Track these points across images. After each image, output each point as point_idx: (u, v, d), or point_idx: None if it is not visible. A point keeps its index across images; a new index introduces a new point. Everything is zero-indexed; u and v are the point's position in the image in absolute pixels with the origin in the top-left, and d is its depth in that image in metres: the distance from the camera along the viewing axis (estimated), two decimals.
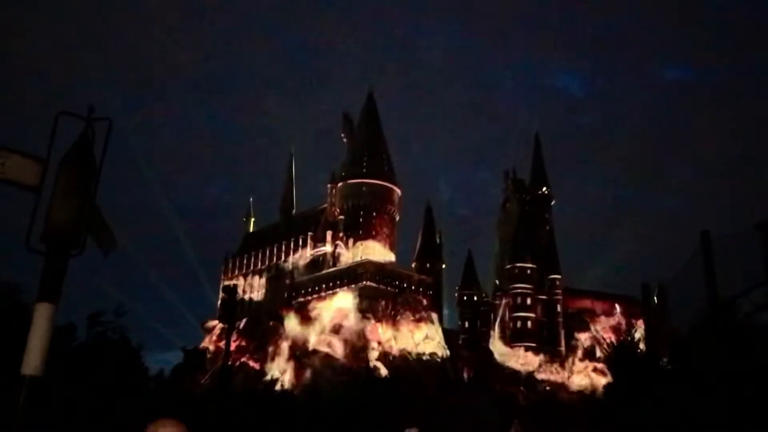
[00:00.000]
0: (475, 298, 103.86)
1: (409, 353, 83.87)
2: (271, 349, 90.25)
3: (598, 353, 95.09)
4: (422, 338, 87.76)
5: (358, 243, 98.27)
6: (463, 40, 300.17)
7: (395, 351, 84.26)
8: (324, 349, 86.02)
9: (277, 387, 73.47)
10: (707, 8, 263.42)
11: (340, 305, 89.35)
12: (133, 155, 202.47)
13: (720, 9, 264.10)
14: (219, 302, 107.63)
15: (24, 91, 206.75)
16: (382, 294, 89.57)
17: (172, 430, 2.88)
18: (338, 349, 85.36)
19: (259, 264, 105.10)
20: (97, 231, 4.05)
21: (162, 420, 2.90)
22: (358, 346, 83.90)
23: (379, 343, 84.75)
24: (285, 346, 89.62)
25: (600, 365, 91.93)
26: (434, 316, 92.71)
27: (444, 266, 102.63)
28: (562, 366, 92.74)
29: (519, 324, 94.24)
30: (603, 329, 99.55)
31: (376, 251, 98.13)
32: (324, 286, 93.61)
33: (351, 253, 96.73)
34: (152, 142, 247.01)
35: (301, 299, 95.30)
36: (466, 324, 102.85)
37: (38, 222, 3.68)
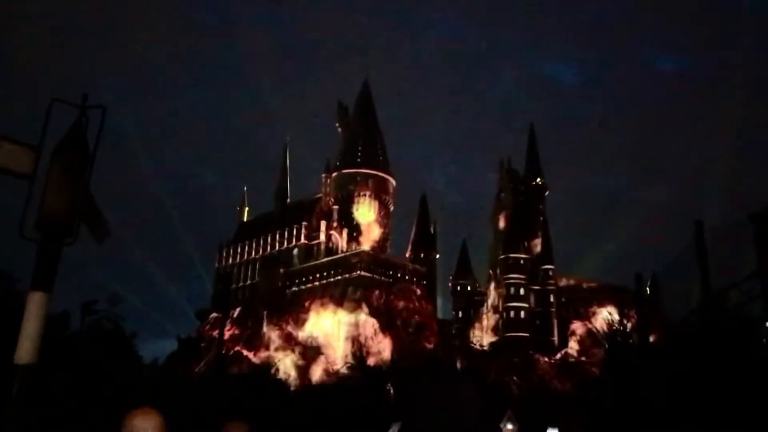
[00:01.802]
0: (469, 288, 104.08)
1: (402, 343, 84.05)
2: (265, 337, 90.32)
3: (591, 342, 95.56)
4: (416, 328, 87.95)
5: (353, 232, 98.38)
6: (458, 29, 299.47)
7: (388, 341, 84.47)
8: (317, 338, 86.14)
9: (270, 376, 73.62)
10: None
11: (333, 294, 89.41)
12: (128, 143, 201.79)
13: None
14: (213, 291, 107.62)
15: (17, 78, 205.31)
16: (376, 284, 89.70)
17: (148, 419, 2.89)
18: (331, 339, 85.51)
19: (254, 253, 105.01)
20: (91, 219, 4.04)
21: (140, 409, 2.92)
22: (351, 336, 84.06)
23: (374, 333, 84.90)
24: (279, 334, 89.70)
25: (593, 354, 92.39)
26: (428, 305, 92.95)
27: (438, 256, 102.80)
28: (555, 355, 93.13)
29: (512, 314, 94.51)
30: (596, 319, 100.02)
31: (371, 240, 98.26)
32: (318, 275, 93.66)
33: (345, 243, 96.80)
34: (148, 130, 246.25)
35: (295, 288, 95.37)
36: (460, 314, 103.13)
37: (32, 210, 3.66)
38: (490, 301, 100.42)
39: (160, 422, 2.91)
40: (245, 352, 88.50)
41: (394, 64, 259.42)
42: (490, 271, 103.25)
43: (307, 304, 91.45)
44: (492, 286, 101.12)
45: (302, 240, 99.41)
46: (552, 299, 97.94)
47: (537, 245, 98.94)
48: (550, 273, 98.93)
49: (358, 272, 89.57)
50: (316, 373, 79.06)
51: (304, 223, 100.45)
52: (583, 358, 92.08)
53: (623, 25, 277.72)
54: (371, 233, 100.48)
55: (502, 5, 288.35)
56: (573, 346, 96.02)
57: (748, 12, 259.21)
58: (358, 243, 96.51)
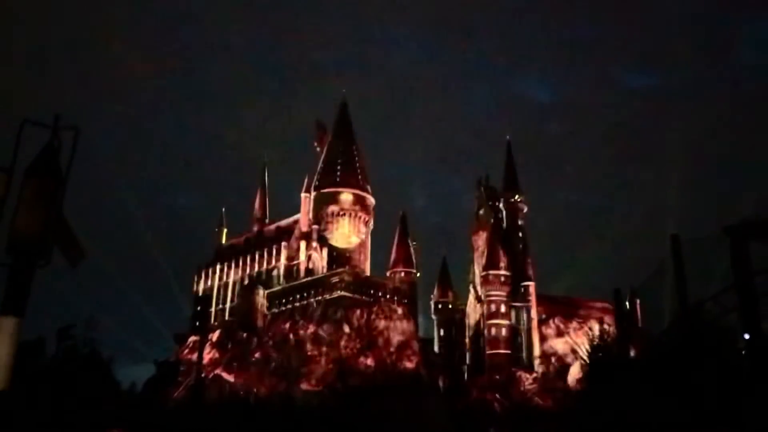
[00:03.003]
0: (450, 306, 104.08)
1: (384, 362, 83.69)
2: (244, 360, 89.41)
3: (572, 358, 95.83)
4: (397, 348, 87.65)
5: (333, 252, 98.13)
6: (434, 49, 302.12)
7: (370, 361, 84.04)
8: (298, 358, 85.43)
9: (251, 399, 72.83)
10: (668, 15, 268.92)
11: (313, 315, 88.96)
12: (102, 165, 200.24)
13: (681, 16, 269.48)
14: (192, 314, 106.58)
15: None
16: (357, 303, 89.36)
17: None
18: (312, 359, 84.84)
19: (233, 274, 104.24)
20: (65, 242, 3.97)
21: None
22: (333, 357, 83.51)
23: (355, 352, 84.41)
24: (259, 357, 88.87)
25: (574, 370, 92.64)
26: (410, 324, 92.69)
27: (419, 275, 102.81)
28: (536, 372, 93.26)
29: (494, 331, 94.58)
30: (576, 334, 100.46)
31: (351, 260, 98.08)
32: (298, 296, 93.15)
33: (325, 263, 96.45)
34: (123, 151, 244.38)
35: (275, 309, 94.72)
36: (442, 332, 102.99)
37: (2, 233, 3.60)
38: (471, 319, 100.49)
39: None
40: (225, 375, 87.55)
41: (370, 83, 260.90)
42: (471, 289, 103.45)
43: (287, 325, 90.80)
44: (473, 303, 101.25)
45: (282, 261, 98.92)
46: (533, 315, 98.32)
47: (516, 262, 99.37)
48: (530, 289, 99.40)
49: (339, 292, 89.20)
50: (297, 395, 78.29)
51: (283, 243, 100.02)
52: (564, 375, 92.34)
53: (595, 43, 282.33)
54: (351, 252, 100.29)
55: (477, 26, 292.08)
56: (554, 362, 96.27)
57: (718, 31, 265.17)
58: (338, 263, 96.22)
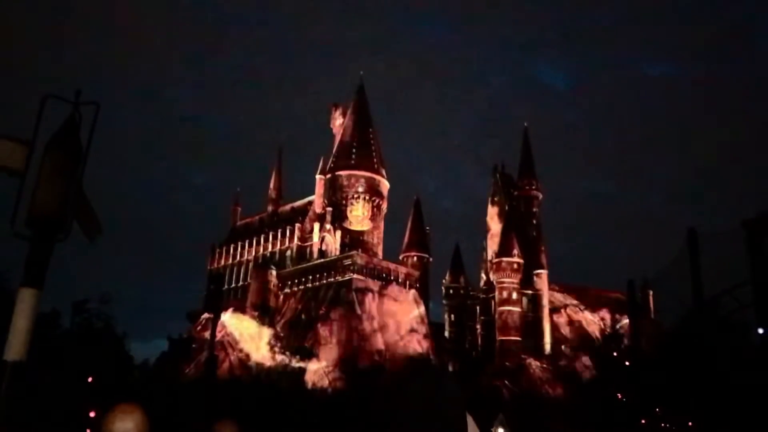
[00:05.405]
0: (462, 292, 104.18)
1: (395, 346, 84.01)
2: (256, 339, 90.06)
3: (583, 347, 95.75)
4: (408, 331, 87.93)
5: (346, 235, 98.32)
6: (451, 34, 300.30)
7: (380, 344, 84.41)
8: (309, 340, 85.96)
9: (262, 378, 73.43)
10: (690, 4, 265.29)
11: (325, 297, 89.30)
12: (119, 141, 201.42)
13: (702, 5, 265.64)
14: (205, 291, 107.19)
15: (10, 74, 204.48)
16: (369, 286, 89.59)
17: (129, 419, 2.79)
18: (324, 341, 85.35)
19: (246, 254, 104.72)
20: (83, 217, 4.01)
21: (119, 407, 2.83)
22: (343, 339, 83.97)
23: (365, 335, 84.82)
24: (270, 336, 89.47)
25: (585, 359, 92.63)
26: (421, 309, 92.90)
27: (431, 259, 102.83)
28: (547, 360, 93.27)
29: (505, 318, 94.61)
30: (588, 324, 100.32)
31: (364, 243, 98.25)
32: (310, 277, 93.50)
33: (338, 245, 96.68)
34: (138, 129, 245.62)
35: (287, 290, 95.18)
36: (452, 317, 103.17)
37: (23, 206, 3.64)
38: (482, 305, 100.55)
39: (142, 420, 2.81)
40: (237, 354, 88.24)
41: (385, 68, 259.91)
42: (483, 275, 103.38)
43: (299, 306, 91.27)
44: (484, 289, 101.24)
45: (295, 242, 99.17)
46: (544, 303, 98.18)
47: (530, 249, 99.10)
48: (543, 277, 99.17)
49: (351, 275, 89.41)
50: (308, 376, 78.95)
51: (297, 225, 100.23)
52: (574, 363, 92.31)
53: (613, 30, 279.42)
54: (364, 236, 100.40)
55: (493, 11, 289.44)
56: (565, 351, 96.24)
57: (736, 20, 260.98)
58: (351, 245, 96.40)
